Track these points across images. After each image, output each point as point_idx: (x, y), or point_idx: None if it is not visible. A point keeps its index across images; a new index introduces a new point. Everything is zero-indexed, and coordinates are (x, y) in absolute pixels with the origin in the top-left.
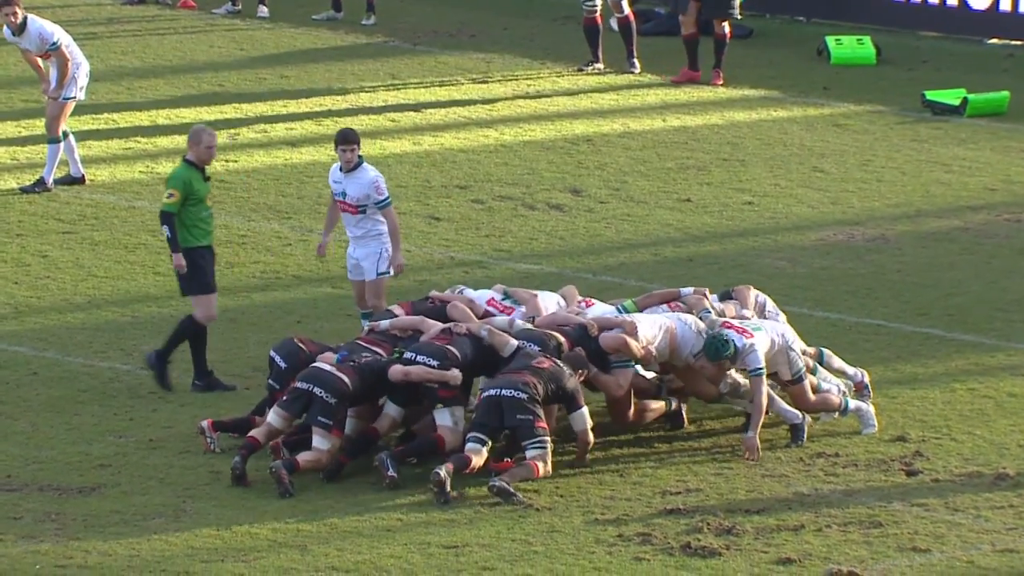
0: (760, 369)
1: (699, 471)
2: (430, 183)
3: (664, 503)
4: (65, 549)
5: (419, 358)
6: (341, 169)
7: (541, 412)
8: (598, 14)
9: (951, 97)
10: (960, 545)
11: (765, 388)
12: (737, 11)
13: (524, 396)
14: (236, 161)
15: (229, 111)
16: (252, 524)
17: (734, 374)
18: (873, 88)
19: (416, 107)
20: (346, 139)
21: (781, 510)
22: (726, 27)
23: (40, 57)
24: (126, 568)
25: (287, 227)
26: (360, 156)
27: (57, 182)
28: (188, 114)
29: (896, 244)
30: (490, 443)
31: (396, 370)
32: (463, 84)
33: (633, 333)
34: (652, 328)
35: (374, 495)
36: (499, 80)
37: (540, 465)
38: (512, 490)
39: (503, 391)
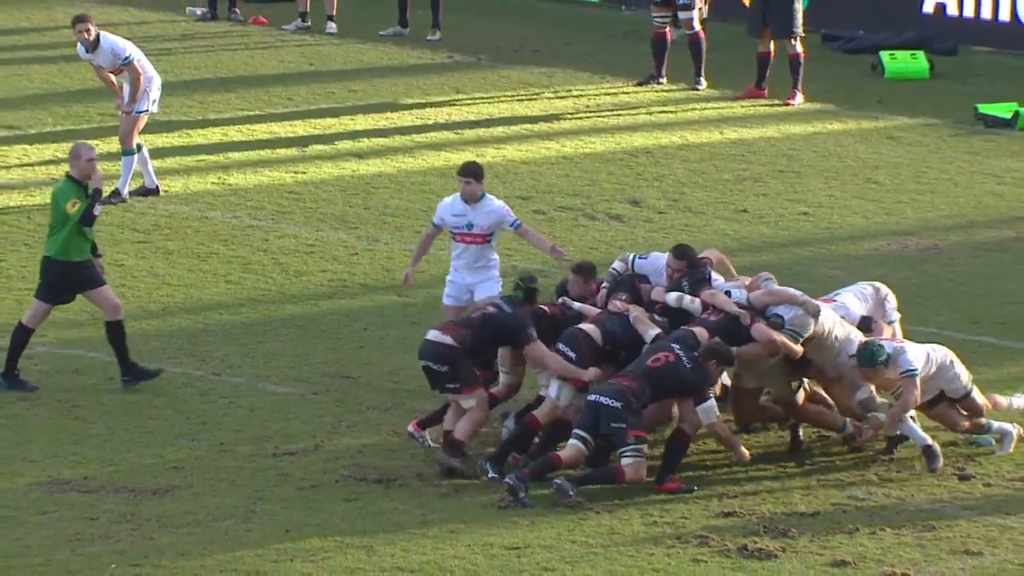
0: (913, 371)
1: (755, 474)
2: (493, 194)
3: (721, 506)
4: (140, 549)
5: (560, 346)
6: (465, 201)
7: (637, 420)
8: (668, 29)
9: (1003, 110)
10: (1012, 549)
11: (917, 390)
12: (800, 28)
13: (619, 405)
14: (304, 173)
15: (298, 124)
16: (320, 525)
17: (872, 389)
18: (926, 101)
19: (479, 120)
20: (468, 172)
21: (836, 513)
22: (797, 46)
23: (112, 73)
24: (198, 568)
25: (354, 237)
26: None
27: (132, 193)
28: (259, 128)
29: (949, 254)
30: (591, 443)
31: (533, 351)
32: (525, 98)
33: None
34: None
35: (438, 497)
36: (560, 94)
37: (629, 470)
38: (567, 488)
39: (602, 399)
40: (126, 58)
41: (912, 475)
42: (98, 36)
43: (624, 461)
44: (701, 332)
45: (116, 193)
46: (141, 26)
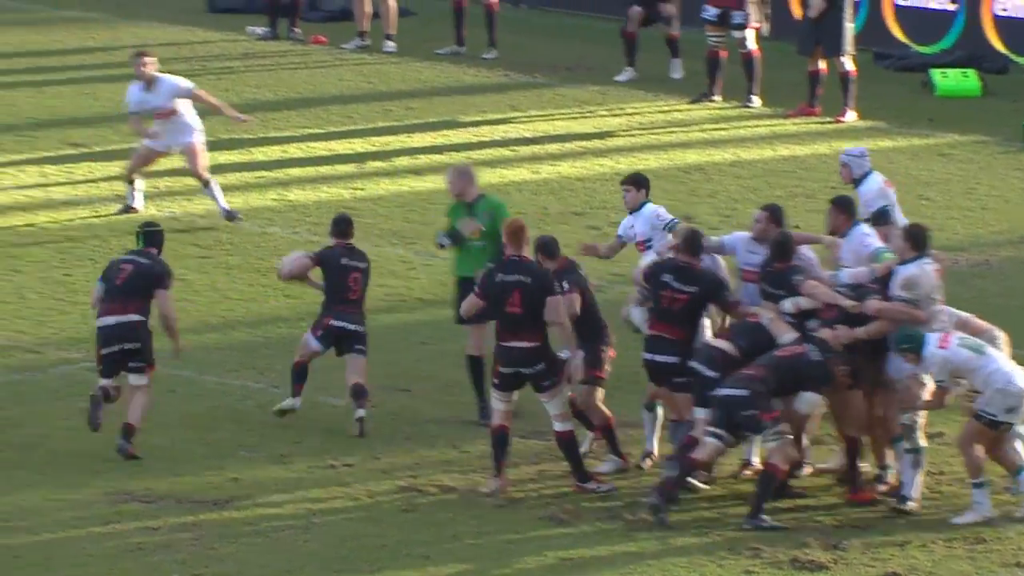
0: (940, 381)
1: (806, 486)
2: (548, 210)
3: (773, 518)
4: (201, 559)
5: (695, 364)
6: (628, 211)
7: (767, 403)
8: (722, 48)
9: None
10: None
11: (925, 393)
12: (851, 46)
13: (746, 393)
14: (363, 189)
15: (357, 142)
16: (377, 536)
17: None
18: (977, 119)
19: (534, 137)
20: (629, 180)
21: (887, 525)
22: (847, 64)
23: (160, 115)
24: None
25: (411, 252)
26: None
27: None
28: (318, 145)
29: (1000, 269)
30: (730, 440)
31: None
32: (580, 115)
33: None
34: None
35: (494, 509)
36: (615, 111)
37: (779, 462)
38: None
39: (728, 391)
40: (189, 87)
41: (962, 488)
42: (155, 74)
43: (768, 446)
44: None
45: (229, 215)
46: (204, 45)
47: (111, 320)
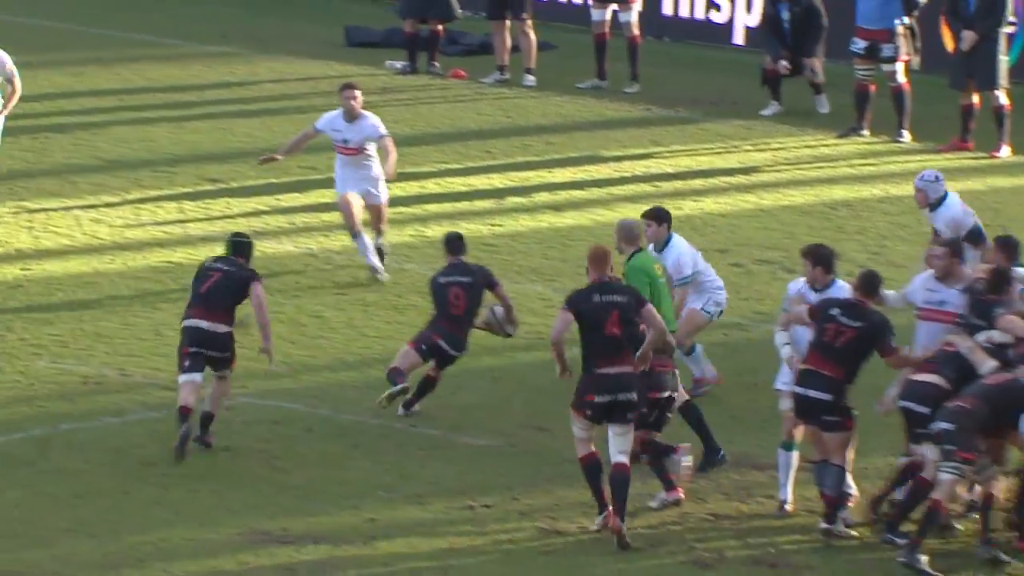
0: None
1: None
2: (693, 246)
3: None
4: None
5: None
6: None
7: (967, 441)
8: (871, 81)
9: None
10: None
11: None
12: (1005, 79)
13: (953, 427)
14: (501, 225)
15: (496, 177)
16: None
17: None
18: None
19: (677, 173)
20: (650, 214)
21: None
22: (1001, 98)
23: (347, 151)
24: None
25: (550, 289)
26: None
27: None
28: (456, 181)
29: None
30: (962, 469)
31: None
32: (723, 150)
33: None
34: None
35: (635, 552)
36: (759, 146)
37: (944, 486)
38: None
39: (941, 424)
40: (382, 134)
41: None
42: (361, 111)
43: (941, 476)
44: None
45: (373, 266)
46: (343, 79)
47: (203, 324)
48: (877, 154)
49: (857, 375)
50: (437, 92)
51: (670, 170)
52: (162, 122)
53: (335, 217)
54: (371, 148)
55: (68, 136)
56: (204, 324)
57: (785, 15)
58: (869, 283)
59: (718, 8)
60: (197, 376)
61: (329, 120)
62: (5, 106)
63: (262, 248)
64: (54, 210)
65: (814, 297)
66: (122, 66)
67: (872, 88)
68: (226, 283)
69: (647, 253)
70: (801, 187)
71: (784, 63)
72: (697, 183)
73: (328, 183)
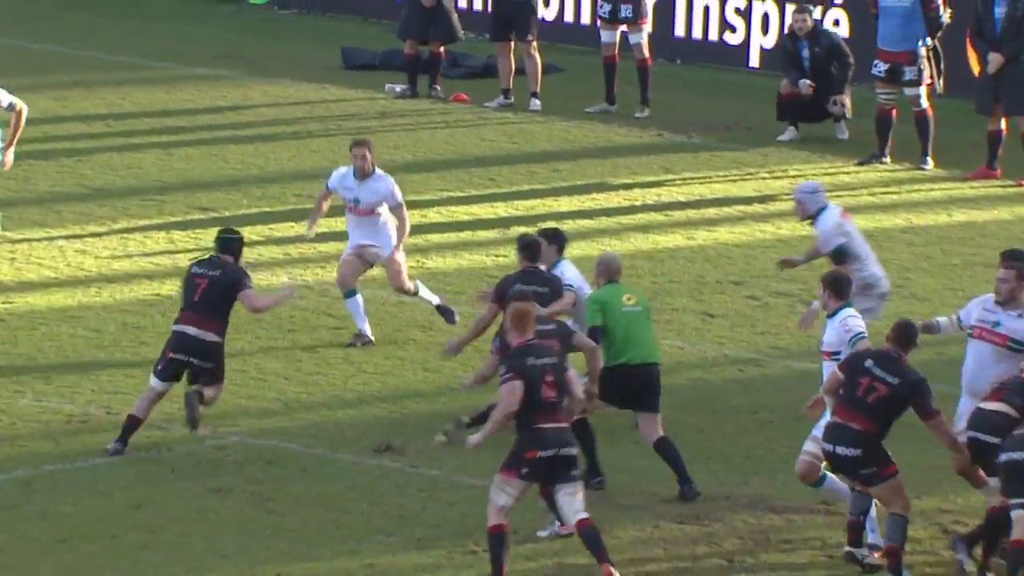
0: None
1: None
2: (704, 279)
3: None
4: None
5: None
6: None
7: None
8: (893, 107)
9: None
10: None
11: None
12: None
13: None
14: (506, 256)
15: (500, 206)
16: None
17: None
18: None
19: (689, 201)
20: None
21: None
22: None
23: (359, 212)
24: None
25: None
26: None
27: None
28: (459, 209)
29: None
30: None
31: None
32: (738, 178)
33: None
34: None
35: None
36: (776, 173)
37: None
38: None
39: (1009, 454)
40: (399, 202)
41: None
42: (374, 166)
43: (1015, 513)
44: None
45: (445, 312)
46: (339, 104)
47: (190, 330)
48: (899, 182)
49: (890, 429)
50: (439, 117)
51: (682, 198)
52: (151, 148)
53: (332, 247)
54: (384, 211)
55: (52, 163)
56: (191, 330)
57: (805, 53)
58: (904, 335)
59: (733, 29)
60: (164, 385)
61: (339, 181)
62: (14, 134)
63: (256, 280)
64: (37, 240)
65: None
66: (108, 90)
67: (894, 113)
68: (214, 290)
69: (615, 286)
70: None
71: (806, 81)
72: (711, 212)
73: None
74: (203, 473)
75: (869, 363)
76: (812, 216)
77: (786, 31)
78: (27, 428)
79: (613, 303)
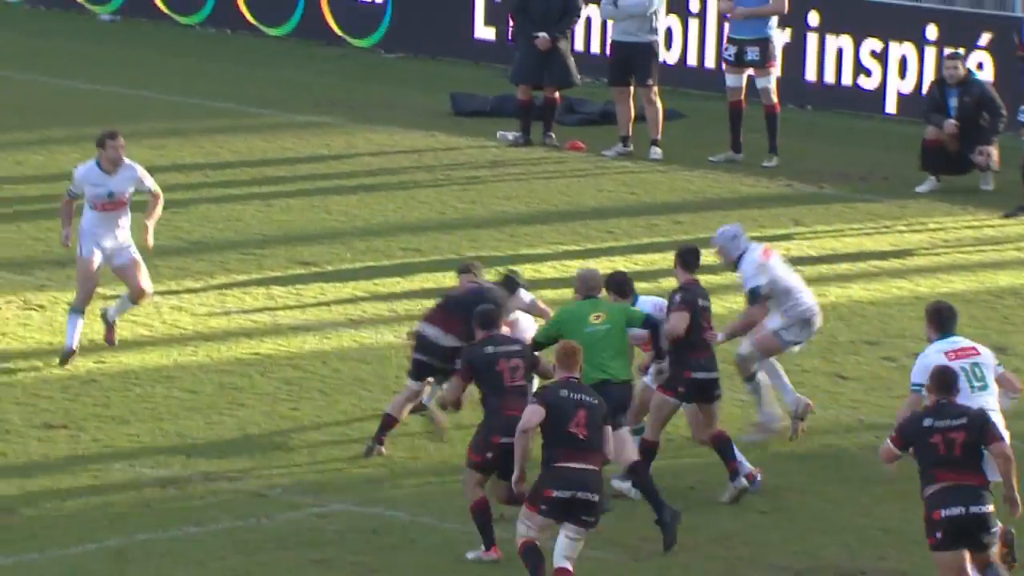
0: None
1: None
2: (836, 338)
3: None
4: None
5: None
6: None
7: None
8: None
9: None
10: None
11: None
12: None
13: None
14: None
15: (618, 260)
16: None
17: None
18: None
19: (821, 256)
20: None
21: None
22: None
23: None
24: None
25: None
26: None
27: None
28: (574, 264)
29: None
30: None
31: None
32: (874, 231)
33: None
34: None
35: None
36: (914, 227)
37: None
38: None
39: None
40: (532, 301)
41: None
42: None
43: None
44: None
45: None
46: (449, 152)
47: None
48: None
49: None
50: (553, 166)
51: (813, 253)
52: (250, 199)
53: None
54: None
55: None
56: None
57: (953, 102)
58: (943, 382)
59: (868, 73)
60: (418, 385)
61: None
62: (152, 216)
63: (359, 338)
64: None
65: None
66: (206, 138)
67: None
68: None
69: (588, 302)
70: (962, 272)
71: (952, 121)
72: (844, 267)
73: (434, 266)
74: (304, 543)
75: (928, 422)
76: (735, 262)
77: (935, 78)
78: (119, 495)
79: (575, 322)
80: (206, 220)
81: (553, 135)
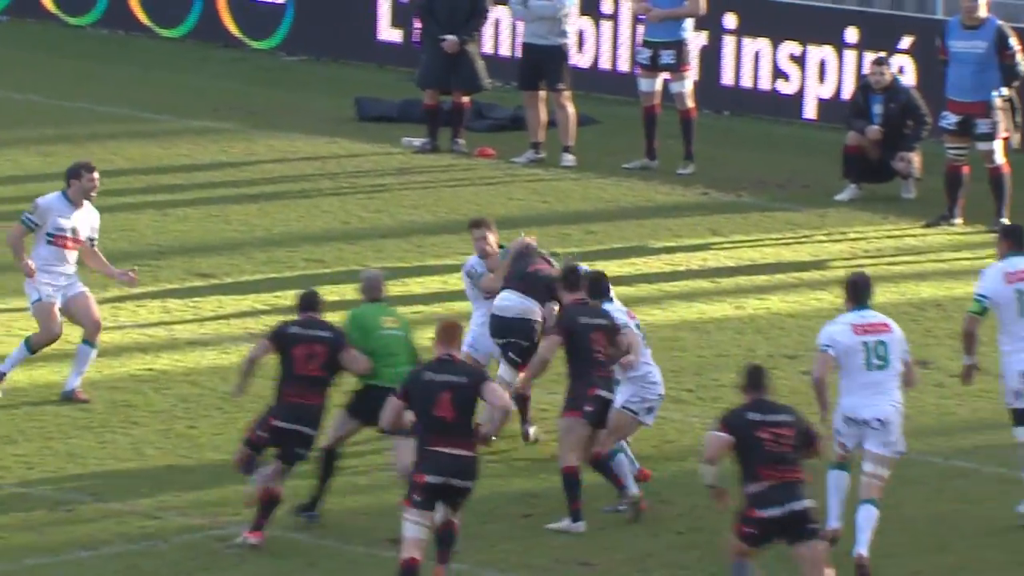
0: None
1: None
2: (755, 352)
3: None
4: None
5: None
6: None
7: None
8: (964, 163)
9: None
10: None
11: None
12: None
13: None
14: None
15: None
16: None
17: None
18: None
19: (739, 267)
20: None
21: None
22: None
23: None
24: None
25: None
26: None
27: None
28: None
29: None
30: None
31: None
32: (793, 241)
33: None
34: None
35: None
36: (834, 236)
37: None
38: None
39: None
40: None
41: None
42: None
43: None
44: None
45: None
46: (352, 159)
47: None
48: (972, 246)
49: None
50: (461, 173)
51: (731, 263)
52: (145, 208)
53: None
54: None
55: None
56: None
57: (877, 108)
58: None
59: (786, 77)
60: None
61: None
62: (106, 265)
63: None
64: (15, 311)
65: None
66: (97, 144)
67: (966, 170)
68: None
69: (376, 305)
70: (882, 283)
71: (875, 127)
72: (762, 279)
73: (337, 277)
74: (201, 567)
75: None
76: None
77: (860, 83)
78: (7, 518)
79: (370, 323)
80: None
81: (462, 141)
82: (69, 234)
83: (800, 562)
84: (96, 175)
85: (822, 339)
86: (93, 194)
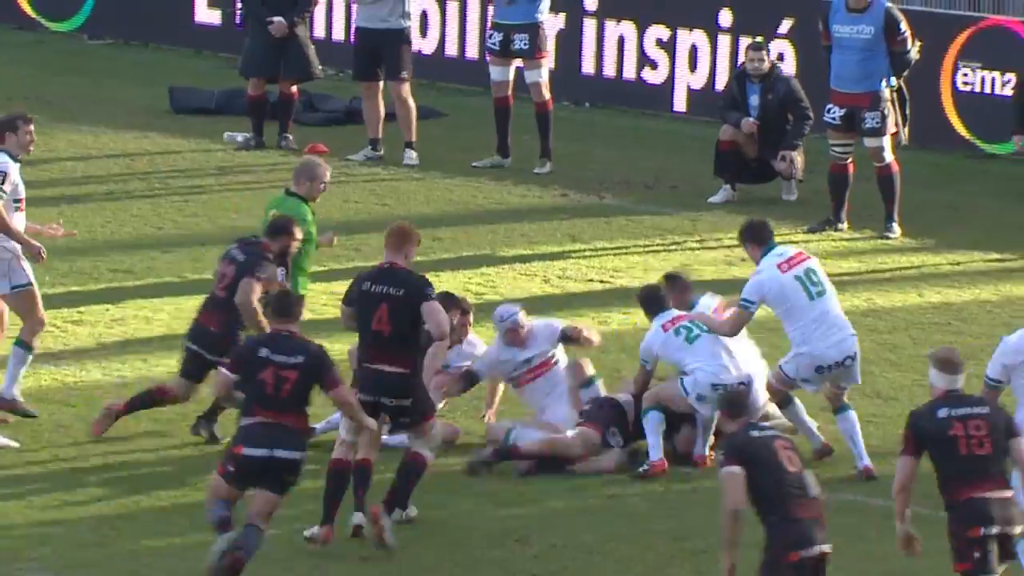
0: None
1: None
2: (620, 371)
3: None
4: None
5: None
6: None
7: None
8: (850, 161)
9: None
10: None
11: None
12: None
13: None
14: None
15: None
16: None
17: None
18: None
19: (602, 276)
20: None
21: None
22: None
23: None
24: None
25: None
26: None
27: None
28: (317, 288)
29: None
30: None
31: None
32: (661, 248)
33: None
34: None
35: None
36: (707, 243)
37: None
38: None
39: None
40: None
41: None
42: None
43: None
44: None
45: None
46: (166, 156)
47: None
48: (859, 253)
49: None
50: (290, 173)
51: (592, 273)
52: None
53: (154, 328)
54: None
55: None
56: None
57: (754, 100)
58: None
59: (654, 65)
60: None
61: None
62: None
63: (61, 376)
64: None
65: None
66: None
67: (851, 168)
68: None
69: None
70: None
71: (750, 119)
72: (631, 289)
73: (149, 291)
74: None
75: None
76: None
77: (735, 71)
78: None
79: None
80: None
81: (290, 136)
82: (22, 196)
83: None
84: (32, 127)
85: (747, 295)
86: (31, 148)
